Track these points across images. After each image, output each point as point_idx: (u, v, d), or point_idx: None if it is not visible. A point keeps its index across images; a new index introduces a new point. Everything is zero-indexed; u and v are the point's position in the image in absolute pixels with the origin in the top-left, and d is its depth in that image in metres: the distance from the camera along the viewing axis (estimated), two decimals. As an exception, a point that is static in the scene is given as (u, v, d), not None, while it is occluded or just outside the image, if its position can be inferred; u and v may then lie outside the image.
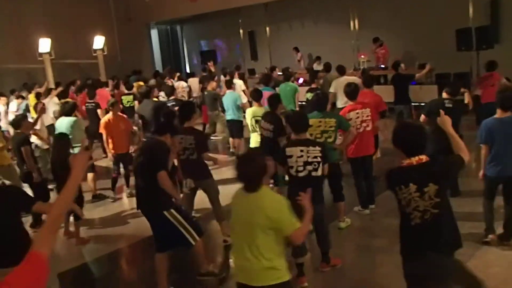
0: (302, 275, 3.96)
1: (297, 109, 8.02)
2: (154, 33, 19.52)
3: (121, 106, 8.10)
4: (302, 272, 3.96)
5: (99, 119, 7.98)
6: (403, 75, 8.69)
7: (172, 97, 8.47)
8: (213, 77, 10.78)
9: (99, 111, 8.60)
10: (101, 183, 7.23)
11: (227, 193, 5.21)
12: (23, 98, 10.65)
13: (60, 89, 10.18)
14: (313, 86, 8.38)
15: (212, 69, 12.01)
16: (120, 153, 6.70)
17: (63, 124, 6.79)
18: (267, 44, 15.80)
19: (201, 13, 15.86)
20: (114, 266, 5.17)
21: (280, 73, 11.06)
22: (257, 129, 6.11)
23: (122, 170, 7.02)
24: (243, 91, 9.82)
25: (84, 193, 5.73)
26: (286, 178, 4.15)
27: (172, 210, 3.91)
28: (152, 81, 12.13)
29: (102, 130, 6.79)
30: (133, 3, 17.26)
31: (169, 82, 11.60)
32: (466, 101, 5.70)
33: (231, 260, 4.75)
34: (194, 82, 12.02)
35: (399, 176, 2.71)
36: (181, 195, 4.85)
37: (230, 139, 8.76)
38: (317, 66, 12.66)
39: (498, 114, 4.26)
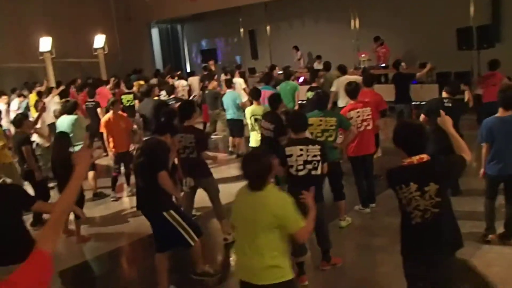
0: (303, 274, 3.96)
1: (297, 107, 8.02)
2: (154, 32, 19.52)
3: (121, 105, 8.09)
4: (302, 271, 3.96)
5: (99, 118, 8.00)
6: (404, 74, 8.68)
7: (172, 96, 8.50)
8: (213, 75, 10.78)
9: (99, 110, 8.61)
10: (102, 182, 7.23)
11: (227, 191, 5.24)
12: (24, 96, 10.66)
13: (61, 88, 10.20)
14: (314, 85, 8.38)
15: (213, 68, 12.01)
16: (121, 152, 6.71)
17: (64, 122, 6.80)
18: (268, 43, 15.80)
19: (201, 12, 15.85)
20: (115, 264, 5.17)
21: (280, 72, 11.06)
22: (256, 128, 6.12)
23: (122, 169, 7.03)
24: (244, 89, 9.82)
25: (84, 192, 5.73)
26: None
27: (172, 211, 3.91)
28: (154, 80, 12.13)
29: (102, 129, 6.79)
30: (133, 2, 17.25)
31: (169, 80, 11.60)
32: (466, 99, 5.68)
33: (231, 259, 4.78)
34: (194, 81, 12.03)
35: (400, 175, 2.71)
36: (181, 194, 4.85)
37: (230, 138, 8.77)
38: (317, 65, 12.66)
39: (500, 113, 4.26)
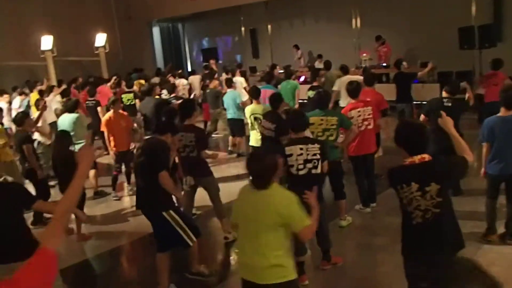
0: (303, 274, 3.96)
1: (297, 106, 8.02)
2: (156, 31, 19.51)
3: (121, 104, 8.10)
4: (302, 270, 3.96)
5: (99, 117, 8.02)
6: (405, 73, 8.67)
7: (173, 95, 8.49)
8: (213, 74, 10.78)
9: (99, 108, 8.62)
10: (103, 180, 7.24)
11: (227, 190, 5.26)
12: (26, 94, 10.67)
13: (63, 87, 10.21)
14: (315, 84, 8.38)
15: (214, 67, 12.01)
16: (121, 151, 6.70)
17: (66, 121, 6.81)
18: (269, 42, 15.78)
19: (201, 11, 15.84)
20: (115, 263, 5.18)
21: (281, 71, 11.05)
22: (256, 127, 6.12)
23: (123, 167, 7.03)
24: (244, 88, 9.82)
25: (85, 190, 5.74)
26: None
27: (171, 211, 3.92)
28: (156, 79, 12.14)
29: (103, 128, 6.79)
30: (133, 1, 17.26)
31: (171, 79, 11.61)
32: (467, 97, 5.66)
33: (231, 258, 4.78)
34: (195, 79, 12.03)
35: (401, 175, 2.71)
36: (182, 193, 4.85)
37: (230, 138, 8.78)
38: (318, 64, 12.64)
39: (502, 112, 4.25)
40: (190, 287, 4.21)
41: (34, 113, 8.09)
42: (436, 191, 2.59)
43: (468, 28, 10.36)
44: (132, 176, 6.52)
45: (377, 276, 4.21)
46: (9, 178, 5.90)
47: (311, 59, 15.00)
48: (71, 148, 5.73)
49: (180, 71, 12.83)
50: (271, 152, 2.89)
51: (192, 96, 10.83)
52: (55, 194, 6.25)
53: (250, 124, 6.31)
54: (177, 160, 5.07)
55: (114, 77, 12.18)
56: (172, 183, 4.05)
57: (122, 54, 16.76)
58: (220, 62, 16.20)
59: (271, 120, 5.44)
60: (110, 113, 6.77)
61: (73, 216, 5.45)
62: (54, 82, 12.12)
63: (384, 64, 12.12)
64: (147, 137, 6.20)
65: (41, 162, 6.39)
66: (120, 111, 6.94)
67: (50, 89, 10.00)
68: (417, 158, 2.64)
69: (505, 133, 4.18)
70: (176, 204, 4.17)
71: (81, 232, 5.51)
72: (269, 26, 15.69)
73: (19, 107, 9.92)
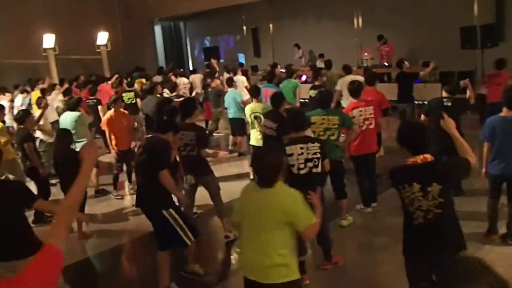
0: (304, 273, 3.95)
1: (297, 104, 8.02)
2: (157, 29, 19.50)
3: (122, 103, 8.10)
4: (303, 270, 3.95)
5: (99, 116, 8.02)
6: (407, 73, 8.65)
7: (174, 93, 8.48)
8: (214, 73, 10.78)
9: (99, 107, 8.62)
10: (104, 179, 7.24)
11: (228, 189, 5.26)
12: (27, 92, 10.68)
13: (66, 86, 10.22)
14: (317, 83, 8.38)
15: (216, 66, 12.00)
16: (122, 150, 6.71)
17: (68, 119, 6.82)
18: (270, 40, 15.76)
19: (202, 10, 15.82)
20: (116, 261, 5.19)
21: (283, 70, 11.04)
22: (256, 126, 6.12)
23: (124, 166, 7.04)
24: (246, 87, 9.81)
25: (87, 188, 5.74)
26: None
27: (171, 210, 3.92)
28: (158, 78, 12.14)
29: (104, 126, 6.79)
30: (135, 0, 17.24)
31: (172, 78, 11.61)
32: (468, 95, 5.64)
33: (232, 257, 4.78)
34: (196, 78, 12.02)
35: (403, 175, 2.70)
36: (183, 192, 4.85)
37: (230, 137, 8.78)
38: (320, 64, 12.63)
39: (504, 112, 4.24)
40: (190, 286, 4.22)
41: (35, 111, 8.09)
42: (438, 192, 2.59)
43: (470, 28, 10.33)
44: (133, 175, 6.53)
45: (378, 276, 4.21)
46: (11, 176, 5.93)
47: (311, 58, 14.99)
48: (72, 146, 5.73)
49: (181, 70, 12.82)
50: (275, 150, 2.87)
51: (193, 94, 10.83)
52: (56, 192, 6.26)
53: (250, 123, 6.30)
54: (178, 159, 5.07)
55: (116, 76, 12.19)
56: (173, 182, 4.05)
57: (124, 53, 16.76)
58: (222, 61, 16.19)
59: (272, 119, 5.43)
60: (111, 111, 6.77)
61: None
62: (56, 80, 12.13)
63: (386, 64, 12.10)
64: (148, 135, 6.20)
65: (43, 160, 6.39)
66: (121, 109, 6.95)
67: (52, 87, 10.01)
68: (419, 158, 2.64)
69: (506, 133, 4.17)
70: (177, 203, 4.18)
71: (82, 231, 5.51)
72: (270, 25, 15.66)
73: (21, 105, 9.94)
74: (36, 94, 9.70)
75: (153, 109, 7.51)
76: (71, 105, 7.03)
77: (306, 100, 8.95)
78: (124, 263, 5.28)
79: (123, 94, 9.33)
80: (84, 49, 14.87)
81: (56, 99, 9.28)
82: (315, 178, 3.85)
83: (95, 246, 5.40)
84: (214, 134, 10.16)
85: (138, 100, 9.16)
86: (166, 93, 9.09)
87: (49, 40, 13.06)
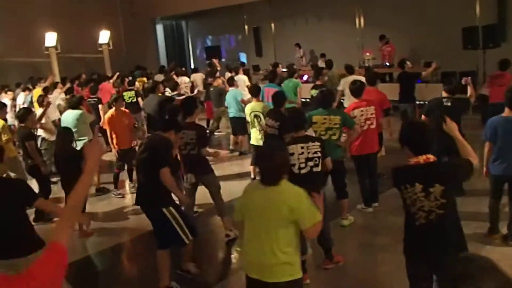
0: (304, 272, 3.95)
1: (298, 104, 8.02)
2: (159, 28, 19.51)
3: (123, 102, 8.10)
4: (304, 269, 3.95)
5: (100, 115, 8.03)
6: (409, 73, 8.64)
7: (175, 92, 8.48)
8: (215, 72, 10.77)
9: (100, 106, 8.62)
10: (105, 177, 7.25)
11: (228, 188, 5.26)
12: (29, 90, 10.69)
13: (68, 86, 10.23)
14: (318, 83, 8.38)
15: (217, 65, 12.00)
16: (123, 149, 6.71)
17: (69, 117, 6.83)
18: (272, 40, 15.76)
19: (204, 9, 15.82)
20: (117, 260, 5.19)
21: (284, 70, 11.04)
22: (256, 125, 6.12)
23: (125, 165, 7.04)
24: (247, 86, 9.81)
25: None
26: None
27: (171, 208, 3.92)
28: (160, 76, 12.14)
29: (105, 125, 6.80)
30: (136, -2, 17.29)
31: (174, 77, 11.61)
32: (468, 94, 5.62)
33: (233, 256, 4.78)
34: (197, 77, 12.02)
35: (406, 175, 2.69)
36: (183, 192, 4.85)
37: (231, 137, 8.78)
38: (321, 63, 12.62)
39: (506, 113, 4.23)
40: (191, 285, 4.22)
41: (37, 110, 8.11)
42: (440, 192, 2.58)
43: (472, 28, 10.31)
44: (134, 174, 6.53)
45: (378, 276, 4.20)
46: (12, 174, 5.94)
47: (312, 58, 14.98)
48: (73, 144, 5.74)
49: (183, 69, 12.83)
50: (277, 148, 2.87)
51: (195, 92, 10.84)
52: (57, 190, 6.26)
53: (250, 122, 6.31)
54: (179, 157, 5.07)
55: (117, 74, 12.20)
56: (173, 181, 4.05)
57: (126, 51, 16.78)
58: (223, 60, 16.19)
59: (274, 118, 5.43)
60: (112, 110, 6.77)
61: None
62: (58, 78, 12.14)
63: (388, 64, 12.09)
64: (150, 134, 6.21)
65: (44, 158, 6.40)
66: (122, 108, 6.95)
67: (54, 86, 10.03)
68: (422, 159, 2.63)
69: (508, 134, 4.16)
70: (177, 202, 4.18)
71: (83, 229, 5.52)
72: (272, 25, 15.65)
73: (23, 103, 9.96)
74: (37, 92, 9.72)
75: (154, 108, 7.51)
76: (73, 104, 7.04)
77: (308, 100, 8.95)
78: (125, 262, 5.28)
79: (124, 93, 9.34)
80: (86, 47, 14.88)
81: (58, 97, 9.30)
82: (315, 177, 3.85)
83: (95, 244, 5.41)
84: (216, 133, 10.16)
85: (139, 99, 9.16)
86: (168, 92, 9.10)
87: (51, 39, 13.08)
